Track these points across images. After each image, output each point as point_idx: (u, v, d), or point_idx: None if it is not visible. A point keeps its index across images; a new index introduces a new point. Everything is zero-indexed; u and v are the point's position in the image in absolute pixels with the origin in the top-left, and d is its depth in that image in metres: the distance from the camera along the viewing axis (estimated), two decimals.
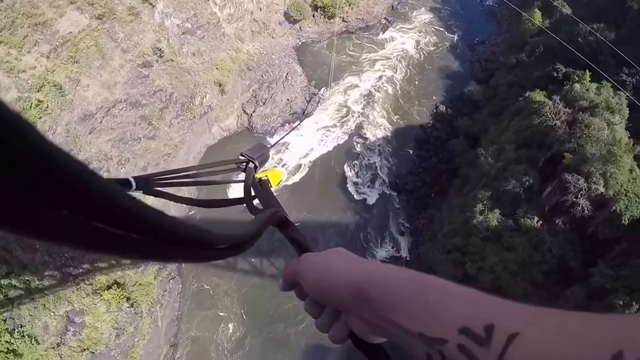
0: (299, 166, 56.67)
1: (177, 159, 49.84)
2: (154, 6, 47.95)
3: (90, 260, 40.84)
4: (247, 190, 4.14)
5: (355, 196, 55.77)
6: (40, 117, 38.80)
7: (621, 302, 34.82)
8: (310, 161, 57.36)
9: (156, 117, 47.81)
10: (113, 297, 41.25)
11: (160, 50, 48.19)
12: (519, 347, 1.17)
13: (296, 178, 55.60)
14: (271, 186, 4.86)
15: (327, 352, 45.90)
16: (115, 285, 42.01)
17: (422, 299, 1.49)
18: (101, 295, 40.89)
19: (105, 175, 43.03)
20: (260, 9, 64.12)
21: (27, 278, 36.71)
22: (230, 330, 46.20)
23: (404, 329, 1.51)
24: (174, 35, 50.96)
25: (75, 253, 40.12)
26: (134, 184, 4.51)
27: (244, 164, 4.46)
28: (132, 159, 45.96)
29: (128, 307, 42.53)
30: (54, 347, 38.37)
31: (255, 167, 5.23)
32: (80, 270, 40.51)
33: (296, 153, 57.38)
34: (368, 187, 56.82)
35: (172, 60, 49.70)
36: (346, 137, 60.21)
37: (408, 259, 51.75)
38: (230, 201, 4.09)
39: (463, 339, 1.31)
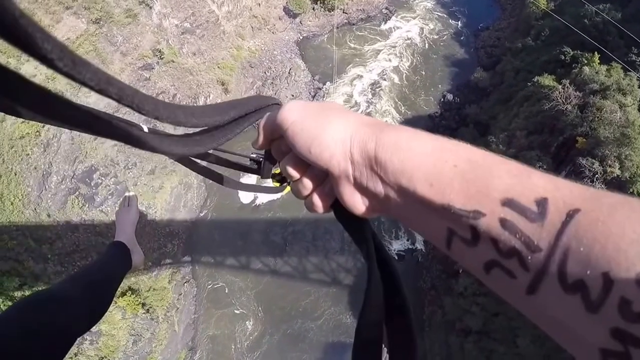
0: None
1: None
2: (151, 7, 47.68)
3: None
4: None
5: None
6: (44, 126, 38.51)
7: None
8: None
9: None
10: (128, 304, 41.15)
11: (160, 51, 47.93)
12: (583, 225, 0.95)
13: None
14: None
15: (347, 348, 44.79)
16: (130, 292, 41.97)
17: (450, 164, 1.21)
18: (116, 303, 40.69)
19: (112, 180, 43.80)
20: (259, 5, 63.78)
21: (40, 289, 36.49)
22: (248, 328, 46.07)
23: (423, 199, 1.22)
24: (173, 35, 50.68)
25: (88, 261, 40.11)
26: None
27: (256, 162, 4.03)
28: (139, 162, 45.75)
29: (144, 313, 42.44)
30: (71, 357, 38.08)
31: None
32: None
33: None
34: None
35: (173, 61, 49.37)
36: None
37: (423, 251, 51.56)
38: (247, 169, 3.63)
39: (507, 213, 1.07)
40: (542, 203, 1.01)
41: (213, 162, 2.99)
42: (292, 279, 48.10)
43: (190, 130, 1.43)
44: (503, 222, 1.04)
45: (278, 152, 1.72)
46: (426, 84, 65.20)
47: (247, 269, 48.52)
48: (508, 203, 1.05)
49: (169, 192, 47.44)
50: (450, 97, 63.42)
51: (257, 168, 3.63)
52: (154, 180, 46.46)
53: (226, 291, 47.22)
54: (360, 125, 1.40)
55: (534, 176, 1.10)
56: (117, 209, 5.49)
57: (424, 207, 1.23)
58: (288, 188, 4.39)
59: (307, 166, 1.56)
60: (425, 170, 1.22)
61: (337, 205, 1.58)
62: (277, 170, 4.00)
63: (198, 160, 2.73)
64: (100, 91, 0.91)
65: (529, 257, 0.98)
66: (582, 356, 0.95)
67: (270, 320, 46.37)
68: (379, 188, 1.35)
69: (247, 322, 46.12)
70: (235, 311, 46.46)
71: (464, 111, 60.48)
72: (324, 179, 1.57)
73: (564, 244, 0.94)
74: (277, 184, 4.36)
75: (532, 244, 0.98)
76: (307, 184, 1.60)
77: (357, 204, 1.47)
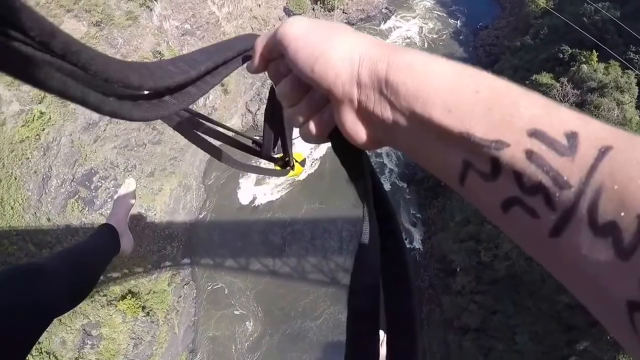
0: (310, 161, 56.31)
1: (183, 162, 49.65)
2: (151, 9, 47.38)
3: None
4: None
5: None
6: (44, 129, 38.79)
7: None
8: (321, 155, 56.59)
9: (160, 121, 46.97)
10: (128, 307, 41.14)
11: (160, 53, 47.20)
12: (618, 163, 0.84)
13: (305, 175, 54.99)
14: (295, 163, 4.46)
15: (341, 353, 45.09)
16: (130, 295, 41.99)
17: (472, 90, 1.09)
18: (116, 306, 40.81)
19: (112, 183, 43.79)
20: (259, 6, 63.57)
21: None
22: (248, 329, 46.13)
23: (439, 127, 1.09)
24: (173, 37, 50.51)
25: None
26: None
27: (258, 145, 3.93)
28: (139, 165, 45.56)
29: (144, 316, 42.39)
30: None
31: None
32: None
33: (304, 149, 55.27)
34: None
35: None
36: None
37: (422, 250, 51.79)
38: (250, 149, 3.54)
39: (534, 144, 0.95)
40: (572, 137, 0.93)
41: (213, 138, 2.98)
42: (291, 279, 48.23)
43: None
44: (529, 154, 0.94)
45: (276, 74, 1.54)
46: None
47: (246, 269, 48.58)
48: (535, 134, 0.95)
49: (168, 194, 47.33)
50: None
51: (259, 151, 3.57)
52: (154, 183, 46.35)
53: (226, 292, 47.20)
54: (371, 44, 1.26)
55: (562, 109, 1.01)
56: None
57: (438, 137, 1.12)
58: (291, 172, 4.51)
59: (306, 90, 1.45)
60: (443, 95, 1.10)
61: (335, 135, 1.45)
62: (279, 155, 4.07)
63: (201, 135, 2.74)
64: (41, 43, 0.84)
65: (557, 195, 0.89)
66: (605, 311, 0.86)
67: (269, 320, 46.40)
68: (387, 114, 1.22)
69: (247, 323, 46.15)
70: (235, 312, 46.46)
71: None
72: (324, 105, 1.44)
73: (596, 182, 0.84)
74: (279, 168, 4.47)
75: (561, 180, 0.89)
76: (305, 110, 1.48)
77: (360, 132, 1.34)
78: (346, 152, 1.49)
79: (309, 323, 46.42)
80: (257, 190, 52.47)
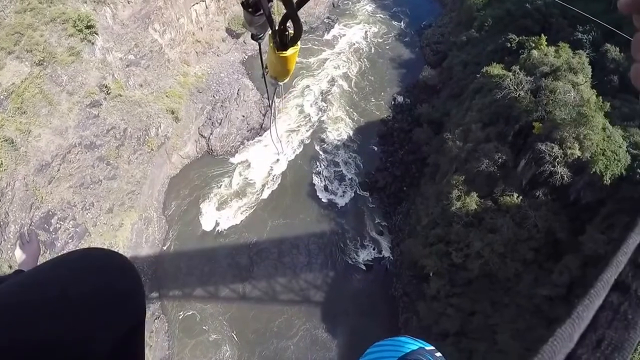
0: (270, 179, 56.22)
1: (142, 195, 49.13)
2: (93, 43, 46.80)
3: None
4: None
5: (327, 202, 55.19)
6: None
7: None
8: (282, 170, 56.99)
9: (113, 156, 46.93)
10: None
11: (106, 86, 47.12)
12: None
13: (267, 192, 55.17)
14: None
15: None
16: None
17: None
18: None
19: (71, 223, 42.81)
20: (202, 29, 63.54)
21: None
22: (224, 354, 45.31)
23: None
24: (118, 69, 49.94)
25: None
26: None
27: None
28: (96, 202, 44.92)
29: None
30: None
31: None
32: None
33: (264, 167, 56.95)
34: (338, 191, 56.31)
35: (121, 95, 48.65)
36: (309, 142, 60.02)
37: (391, 258, 51.07)
38: None
39: None
40: None
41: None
42: (263, 301, 47.32)
43: None
44: None
45: None
46: (375, 89, 65.29)
47: (216, 295, 47.76)
48: None
49: (129, 229, 46.69)
50: (400, 99, 63.56)
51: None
52: (114, 219, 45.62)
53: (198, 319, 46.38)
54: None
55: None
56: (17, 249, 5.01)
57: None
58: (287, 52, 4.21)
59: None
60: None
61: None
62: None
63: None
64: None
65: None
66: None
67: (245, 344, 45.54)
68: None
69: (222, 348, 45.30)
70: (209, 338, 45.67)
71: (416, 111, 60.30)
72: None
73: None
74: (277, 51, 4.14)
75: None
76: None
77: None
78: None
79: (285, 342, 45.66)
80: (220, 214, 51.74)
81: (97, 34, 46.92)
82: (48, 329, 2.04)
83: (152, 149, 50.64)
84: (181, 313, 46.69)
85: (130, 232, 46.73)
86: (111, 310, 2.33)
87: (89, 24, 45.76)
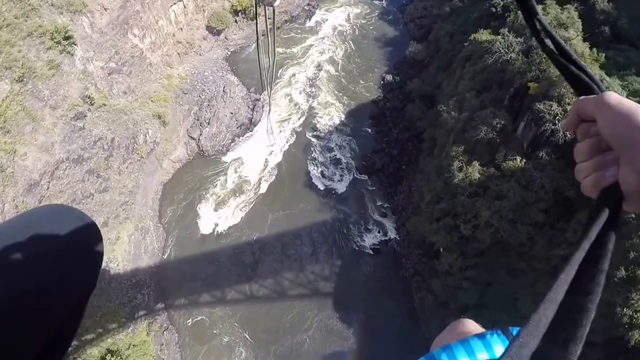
0: (266, 172, 55.54)
1: (136, 205, 48.13)
2: (72, 54, 45.61)
3: (76, 334, 38.92)
4: None
5: (326, 189, 54.49)
6: None
7: (633, 215, 32.97)
8: (275, 164, 56.26)
9: (103, 167, 45.84)
10: None
11: (89, 97, 46.04)
12: None
13: (265, 186, 54.40)
14: None
15: (340, 356, 44.70)
16: (109, 355, 39.98)
17: None
18: None
19: None
20: (182, 29, 62.64)
21: None
22: (240, 356, 44.42)
23: None
24: (100, 78, 48.84)
25: None
26: None
27: None
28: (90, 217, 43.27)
29: None
30: None
31: None
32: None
33: (258, 161, 56.23)
34: (335, 176, 55.56)
35: (105, 105, 47.58)
36: (302, 130, 59.39)
37: (398, 239, 50.26)
38: None
39: None
40: None
41: None
42: (271, 298, 46.60)
43: None
44: None
45: (584, 133, 2.02)
46: (363, 70, 64.51)
47: (223, 297, 46.82)
48: None
49: (126, 241, 45.63)
50: (389, 77, 62.67)
51: None
52: (109, 232, 44.51)
53: (207, 324, 45.39)
54: None
55: None
56: None
57: None
58: None
59: (600, 152, 1.91)
60: None
61: (614, 187, 1.80)
62: None
63: None
64: None
65: None
66: None
67: (258, 343, 44.71)
68: None
69: (236, 350, 44.38)
70: (222, 342, 44.74)
71: (407, 88, 59.41)
72: (613, 163, 1.83)
73: None
74: None
75: None
76: (591, 168, 1.92)
77: (635, 191, 1.74)
78: (611, 194, 1.78)
79: (300, 336, 44.78)
80: (218, 215, 50.79)
81: (75, 44, 45.79)
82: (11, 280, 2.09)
83: (141, 157, 49.67)
84: (190, 320, 45.75)
85: (127, 244, 45.78)
86: (76, 264, 2.41)
87: (66, 35, 44.57)
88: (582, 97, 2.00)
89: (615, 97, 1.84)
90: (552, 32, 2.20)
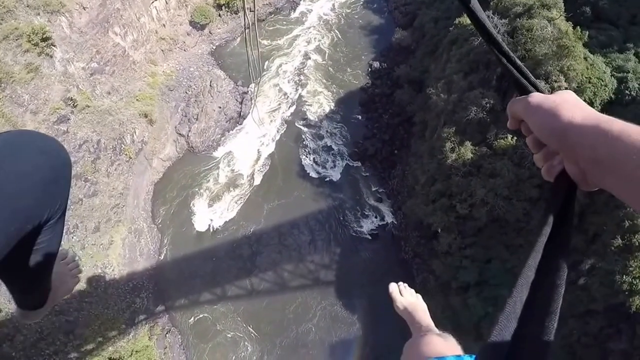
0: (259, 164, 55.47)
1: (127, 207, 47.88)
2: (51, 56, 45.07)
3: (75, 346, 39.01)
4: None
5: (320, 177, 54.63)
6: None
7: None
8: (268, 154, 56.25)
9: (90, 171, 45.39)
10: None
11: (72, 99, 45.48)
12: None
13: (258, 177, 54.36)
14: None
15: (347, 345, 45.03)
16: None
17: None
18: None
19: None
20: (164, 26, 62.25)
21: None
22: (246, 351, 44.51)
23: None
24: (82, 79, 48.36)
25: (57, 346, 38.18)
26: None
27: None
28: (80, 223, 43.48)
29: None
30: None
31: None
32: None
33: (250, 154, 56.15)
34: (328, 164, 55.67)
35: (88, 106, 46.99)
36: (292, 119, 59.38)
37: (395, 223, 50.59)
38: None
39: None
40: None
41: None
42: (273, 291, 46.81)
43: None
44: None
45: (525, 130, 2.20)
46: (350, 58, 64.71)
47: (224, 292, 46.81)
48: None
49: (120, 245, 45.46)
50: (377, 64, 62.95)
51: None
52: (102, 237, 44.29)
53: (210, 321, 45.43)
54: (587, 122, 1.89)
55: None
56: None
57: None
58: None
59: (544, 145, 2.16)
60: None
61: (562, 174, 2.02)
62: None
63: None
64: None
65: None
66: None
67: (263, 336, 44.85)
68: (596, 176, 1.83)
69: (241, 345, 44.45)
70: (226, 338, 44.78)
71: (395, 74, 59.77)
72: (553, 155, 2.12)
73: None
74: None
75: None
76: (542, 159, 2.16)
77: (577, 177, 1.96)
78: (565, 185, 1.98)
79: (305, 325, 45.06)
80: (213, 210, 50.68)
81: (54, 45, 45.24)
82: None
83: (130, 157, 49.32)
84: (191, 319, 45.77)
85: (122, 248, 45.52)
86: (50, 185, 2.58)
87: (44, 36, 43.86)
88: (513, 99, 2.19)
89: (537, 98, 2.03)
90: (485, 20, 2.30)
